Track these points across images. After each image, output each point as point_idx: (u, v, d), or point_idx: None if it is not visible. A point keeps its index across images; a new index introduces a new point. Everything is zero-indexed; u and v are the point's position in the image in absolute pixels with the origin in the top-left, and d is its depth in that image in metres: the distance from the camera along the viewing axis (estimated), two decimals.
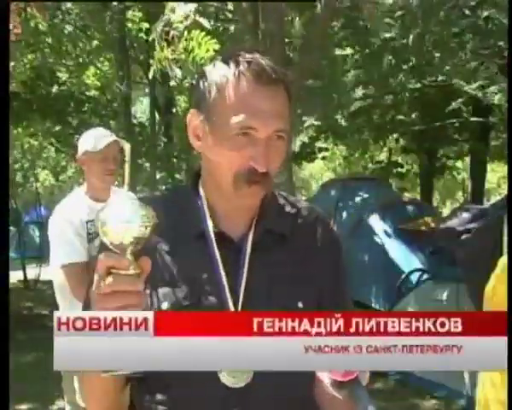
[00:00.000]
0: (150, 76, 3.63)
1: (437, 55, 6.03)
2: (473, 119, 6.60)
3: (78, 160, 3.03)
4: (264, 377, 1.10)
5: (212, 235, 1.19)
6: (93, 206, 2.91)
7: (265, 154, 1.12)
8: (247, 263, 1.18)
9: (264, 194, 1.18)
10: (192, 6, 2.64)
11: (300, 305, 1.18)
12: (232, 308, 1.15)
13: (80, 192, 3.05)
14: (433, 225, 6.88)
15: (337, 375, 0.95)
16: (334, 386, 0.96)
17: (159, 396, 1.17)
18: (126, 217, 0.98)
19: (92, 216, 2.83)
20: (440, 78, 6.06)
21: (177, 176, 10.88)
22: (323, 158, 11.64)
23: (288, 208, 1.28)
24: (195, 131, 1.19)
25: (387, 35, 6.16)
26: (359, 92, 6.93)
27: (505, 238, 1.85)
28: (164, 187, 10.15)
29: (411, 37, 5.83)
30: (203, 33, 2.70)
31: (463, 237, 2.05)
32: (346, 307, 1.30)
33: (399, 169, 11.00)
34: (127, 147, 3.20)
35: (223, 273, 1.17)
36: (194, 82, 1.22)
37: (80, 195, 3.02)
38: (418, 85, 6.91)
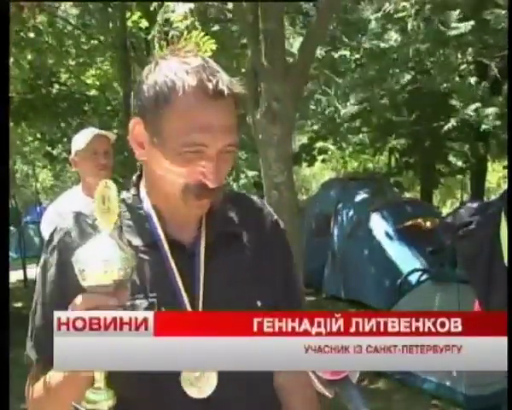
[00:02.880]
0: None
1: (434, 60, 6.03)
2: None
3: (72, 163, 3.06)
4: (230, 386, 1.10)
5: (164, 242, 1.15)
6: (88, 202, 2.90)
7: (216, 170, 1.09)
8: (203, 268, 1.16)
9: (211, 204, 1.15)
10: (191, 6, 2.65)
11: (259, 303, 1.16)
12: None
13: (75, 190, 3.08)
14: (431, 223, 6.88)
15: (326, 373, 0.94)
16: (323, 384, 0.95)
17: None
18: (105, 261, 0.97)
19: (87, 212, 2.86)
20: (440, 78, 6.05)
21: None
22: (323, 161, 11.65)
23: (235, 206, 1.25)
24: (139, 138, 1.14)
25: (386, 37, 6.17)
26: (358, 95, 6.93)
27: (503, 232, 1.85)
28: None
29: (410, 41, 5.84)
30: (202, 33, 2.70)
31: (464, 230, 2.04)
32: (296, 296, 1.29)
33: (398, 178, 11.05)
34: (113, 137, 3.24)
35: (179, 281, 1.14)
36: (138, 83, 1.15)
37: (75, 192, 3.06)
38: (417, 85, 6.90)
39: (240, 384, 1.11)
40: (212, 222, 1.19)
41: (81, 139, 3.00)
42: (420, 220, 7.44)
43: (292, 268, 1.31)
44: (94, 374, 1.02)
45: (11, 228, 13.23)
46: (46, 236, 2.92)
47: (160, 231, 1.16)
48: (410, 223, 7.48)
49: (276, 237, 1.27)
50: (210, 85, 1.07)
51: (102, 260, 0.97)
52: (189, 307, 1.13)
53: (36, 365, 1.17)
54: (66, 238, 1.18)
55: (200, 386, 1.11)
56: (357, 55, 7.00)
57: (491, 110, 5.45)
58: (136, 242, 1.15)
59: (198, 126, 1.07)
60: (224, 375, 1.09)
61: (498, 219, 1.90)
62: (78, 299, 0.99)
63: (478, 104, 5.50)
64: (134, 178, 1.24)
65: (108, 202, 0.99)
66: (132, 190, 1.22)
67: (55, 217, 2.89)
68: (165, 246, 1.15)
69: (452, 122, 5.71)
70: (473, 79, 5.73)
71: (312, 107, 7.69)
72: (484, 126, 5.57)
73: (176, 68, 1.09)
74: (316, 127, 9.02)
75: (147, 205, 1.18)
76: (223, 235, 1.19)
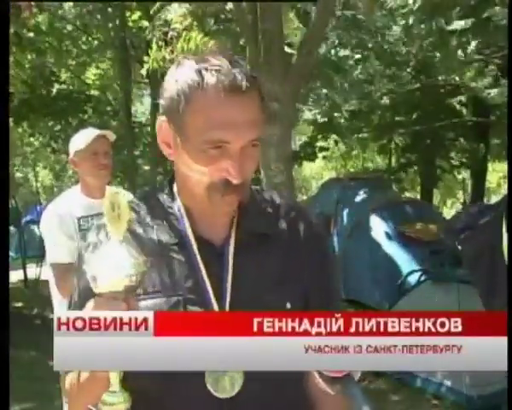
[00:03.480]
0: (144, 74, 3.66)
1: (438, 55, 6.01)
2: (473, 118, 6.61)
3: (71, 163, 3.05)
4: (256, 386, 1.10)
5: (193, 241, 1.16)
6: (87, 202, 2.93)
7: (239, 166, 1.09)
8: (231, 267, 1.16)
9: (239, 201, 1.15)
10: (189, 6, 2.65)
11: (288, 306, 1.15)
12: None
13: (75, 190, 3.07)
14: (432, 230, 6.87)
15: (330, 370, 0.94)
16: (325, 381, 0.95)
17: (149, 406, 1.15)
18: (116, 268, 0.97)
19: (86, 212, 2.89)
20: (442, 77, 6.04)
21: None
22: (324, 158, 11.64)
23: (267, 206, 1.25)
24: (165, 139, 1.16)
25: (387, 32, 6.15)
26: (358, 92, 6.92)
27: (505, 235, 1.86)
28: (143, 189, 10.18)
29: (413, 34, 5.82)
30: (201, 34, 2.70)
31: (466, 233, 2.05)
32: (334, 302, 1.27)
33: (399, 174, 11.05)
34: (112, 137, 3.26)
35: (207, 280, 1.14)
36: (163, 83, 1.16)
37: (74, 192, 3.05)
38: (418, 85, 6.90)
39: (266, 385, 1.11)
40: (243, 222, 1.19)
41: (81, 139, 2.99)
42: (419, 227, 7.43)
43: (327, 269, 1.28)
44: (109, 377, 1.03)
45: (11, 228, 13.23)
46: (44, 236, 2.94)
47: (188, 229, 1.17)
48: (409, 231, 7.46)
49: (309, 238, 1.25)
50: (228, 81, 1.07)
51: (113, 267, 0.97)
52: (215, 306, 1.13)
53: None
54: (100, 236, 1.18)
55: (226, 385, 1.11)
56: (358, 56, 7.01)
57: (499, 90, 5.42)
58: (166, 240, 1.16)
59: (218, 123, 1.07)
60: (250, 375, 1.09)
61: (500, 223, 1.90)
62: (90, 305, 1.00)
63: (487, 80, 5.45)
64: (168, 176, 1.26)
65: (118, 209, 0.99)
66: (165, 189, 1.23)
67: (54, 217, 2.89)
68: (194, 244, 1.16)
69: (461, 98, 5.67)
70: (476, 65, 5.70)
71: (313, 97, 7.66)
72: (492, 101, 5.52)
73: (196, 66, 1.10)
74: (317, 124, 9.01)
75: (178, 204, 1.20)
76: (253, 235, 1.19)
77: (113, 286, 0.98)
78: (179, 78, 1.11)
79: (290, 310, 1.14)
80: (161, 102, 1.16)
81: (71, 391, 1.15)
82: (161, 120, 1.15)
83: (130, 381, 1.05)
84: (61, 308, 2.77)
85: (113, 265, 0.98)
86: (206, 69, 1.09)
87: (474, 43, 5.90)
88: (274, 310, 1.04)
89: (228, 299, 1.14)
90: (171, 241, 1.16)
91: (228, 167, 1.09)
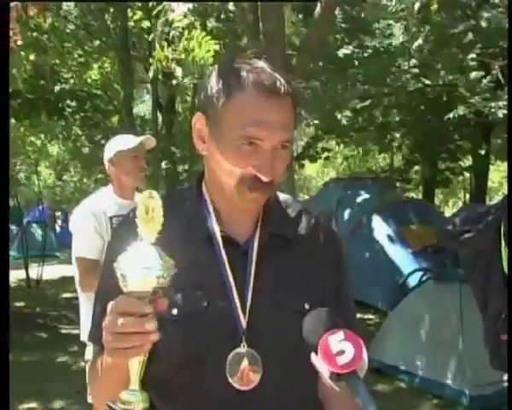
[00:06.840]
0: (150, 75, 3.70)
1: (438, 58, 6.00)
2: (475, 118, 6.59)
3: (109, 161, 3.11)
4: (273, 383, 1.13)
5: (219, 238, 1.19)
6: (119, 202, 3.05)
7: (270, 163, 1.13)
8: (254, 266, 1.19)
9: (265, 199, 1.19)
10: (191, 6, 2.66)
11: (307, 307, 1.17)
12: (240, 312, 1.15)
13: (107, 190, 3.17)
14: (432, 233, 6.88)
15: (335, 367, 0.94)
16: (331, 378, 0.95)
17: (168, 401, 1.17)
18: (146, 268, 0.97)
19: (118, 211, 2.99)
20: (441, 81, 6.03)
21: (179, 169, 10.93)
22: (326, 158, 11.63)
23: (290, 211, 1.29)
24: (200, 133, 1.19)
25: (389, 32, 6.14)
26: (359, 92, 6.90)
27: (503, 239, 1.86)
28: (167, 187, 10.18)
29: (414, 39, 5.82)
30: (203, 33, 2.71)
31: (463, 237, 2.06)
32: (349, 308, 1.31)
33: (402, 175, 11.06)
34: (153, 143, 3.41)
35: (230, 277, 1.17)
36: (198, 82, 1.21)
37: (106, 193, 3.15)
38: (420, 85, 6.89)
39: (283, 382, 1.15)
40: (268, 223, 1.23)
41: (126, 141, 3.10)
42: (420, 229, 7.45)
43: (344, 281, 1.32)
44: (130, 375, 1.02)
45: (13, 227, 13.26)
46: (74, 230, 3.03)
47: (215, 227, 1.20)
48: (409, 237, 7.48)
49: (330, 247, 1.30)
50: (268, 84, 1.12)
51: (143, 268, 0.97)
52: (237, 303, 1.16)
53: (94, 348, 1.23)
54: (132, 231, 1.18)
55: (243, 377, 1.13)
56: (362, 54, 7.00)
57: (497, 103, 5.43)
58: (194, 235, 1.19)
59: (254, 121, 1.11)
60: (268, 371, 1.13)
61: (498, 227, 1.90)
62: (117, 301, 0.99)
63: (484, 95, 5.47)
64: (198, 174, 1.29)
65: (153, 212, 1.01)
66: (194, 186, 1.27)
67: (89, 215, 2.98)
68: (220, 241, 1.19)
69: (459, 111, 5.68)
70: (475, 74, 5.69)
71: (313, 106, 7.67)
72: (491, 116, 5.53)
73: (237, 67, 1.15)
74: (317, 122, 9.00)
75: (206, 200, 1.23)
76: (277, 236, 1.22)
77: (142, 286, 0.98)
78: (221, 76, 1.16)
79: (308, 311, 1.14)
80: (200, 97, 1.21)
81: (90, 378, 1.22)
82: (198, 115, 1.19)
83: (150, 372, 1.06)
84: (88, 303, 2.83)
85: (144, 265, 0.98)
86: (248, 70, 1.13)
87: (474, 45, 5.89)
88: (293, 310, 1.11)
89: (249, 296, 1.17)
90: (198, 237, 1.19)
91: (258, 164, 1.12)
